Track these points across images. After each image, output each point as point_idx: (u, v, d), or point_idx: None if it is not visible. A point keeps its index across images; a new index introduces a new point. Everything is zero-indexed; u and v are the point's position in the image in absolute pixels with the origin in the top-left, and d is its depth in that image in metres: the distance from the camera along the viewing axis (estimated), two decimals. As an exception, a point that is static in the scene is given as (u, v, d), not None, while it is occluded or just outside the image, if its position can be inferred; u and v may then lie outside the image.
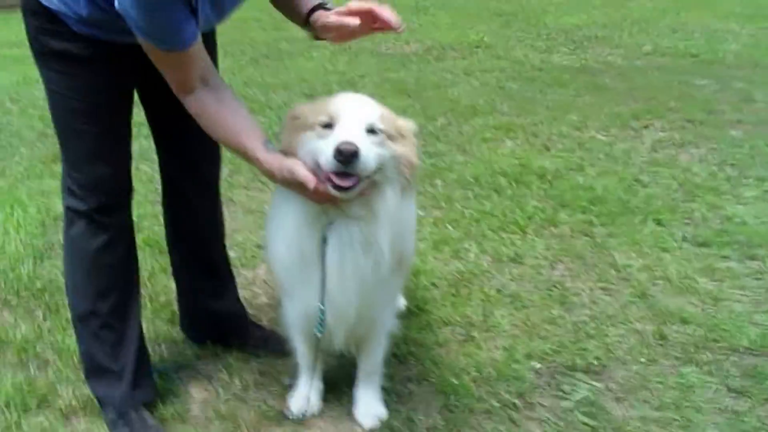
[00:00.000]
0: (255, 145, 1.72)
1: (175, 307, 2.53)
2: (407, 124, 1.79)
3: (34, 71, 1.91)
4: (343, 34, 1.83)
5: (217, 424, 2.09)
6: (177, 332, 2.51)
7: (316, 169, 1.66)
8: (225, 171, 2.27)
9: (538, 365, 2.31)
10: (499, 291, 2.78)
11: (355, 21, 1.75)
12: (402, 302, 2.51)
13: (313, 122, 1.69)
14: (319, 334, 1.85)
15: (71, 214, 1.98)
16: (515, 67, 6.54)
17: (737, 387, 2.18)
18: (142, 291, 2.27)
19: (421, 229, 3.19)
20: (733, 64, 6.39)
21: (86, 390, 2.14)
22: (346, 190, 1.62)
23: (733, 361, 2.31)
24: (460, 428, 2.05)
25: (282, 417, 2.10)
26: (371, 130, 1.66)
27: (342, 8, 1.77)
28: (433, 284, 2.84)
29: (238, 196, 3.71)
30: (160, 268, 2.90)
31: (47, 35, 1.77)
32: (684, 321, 2.52)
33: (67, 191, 1.96)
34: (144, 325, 2.20)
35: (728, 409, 2.10)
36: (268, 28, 8.62)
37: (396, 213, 1.74)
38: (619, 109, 5.12)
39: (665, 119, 4.86)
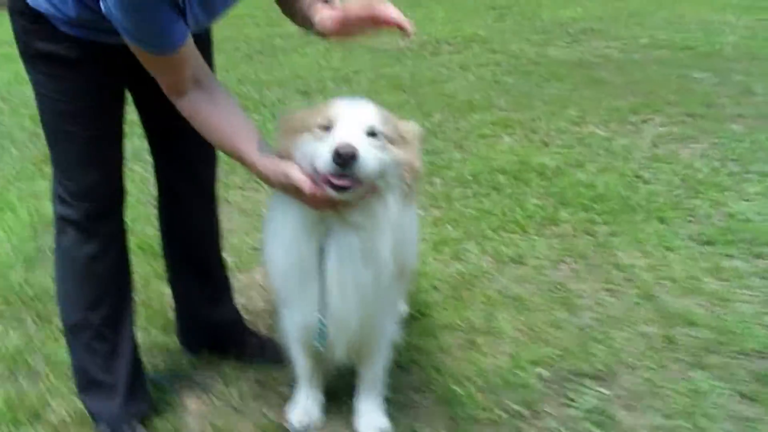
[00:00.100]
0: (249, 148, 1.66)
1: (170, 314, 2.46)
2: (410, 128, 1.71)
3: (25, 69, 1.83)
4: (342, 34, 1.76)
5: (213, 439, 2.03)
6: (172, 340, 2.44)
7: (312, 173, 1.58)
8: (220, 172, 2.20)
9: (544, 372, 2.25)
10: (500, 293, 2.72)
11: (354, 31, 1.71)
12: (404, 308, 2.44)
13: (310, 124, 1.62)
14: (321, 348, 1.79)
15: (62, 222, 1.92)
16: (511, 61, 6.46)
17: (748, 392, 2.13)
18: (136, 297, 2.20)
19: (421, 229, 3.12)
20: (730, 57, 6.33)
21: (79, 404, 2.07)
22: (344, 190, 1.54)
23: (743, 364, 2.26)
24: (466, 440, 2.00)
25: (282, 430, 2.03)
26: (371, 133, 1.59)
27: (340, 13, 1.69)
28: (434, 287, 2.77)
29: (233, 197, 3.64)
30: (154, 273, 2.81)
31: (34, 37, 1.70)
32: (691, 323, 2.47)
33: (58, 199, 1.90)
34: (138, 334, 2.14)
35: (740, 415, 2.04)
36: (262, 24, 8.54)
37: (397, 220, 1.67)
38: (617, 103, 5.05)
39: (665, 113, 4.79)
